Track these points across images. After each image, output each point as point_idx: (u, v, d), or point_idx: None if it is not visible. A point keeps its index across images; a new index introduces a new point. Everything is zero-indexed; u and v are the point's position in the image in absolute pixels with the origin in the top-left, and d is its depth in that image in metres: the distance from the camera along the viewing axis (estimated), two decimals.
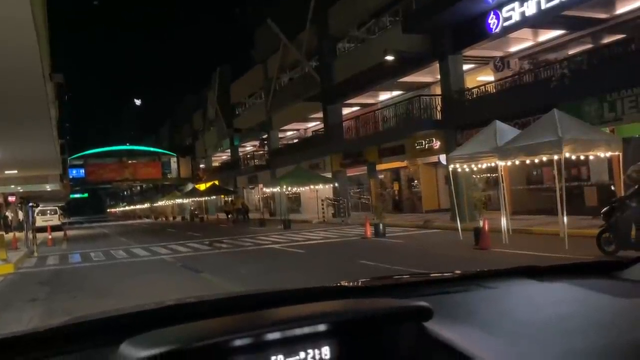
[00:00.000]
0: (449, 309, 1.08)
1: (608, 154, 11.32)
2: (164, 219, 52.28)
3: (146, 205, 64.43)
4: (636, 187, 8.53)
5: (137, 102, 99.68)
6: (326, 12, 26.82)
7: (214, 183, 41.88)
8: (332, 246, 14.37)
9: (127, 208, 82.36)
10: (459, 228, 13.19)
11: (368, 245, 13.83)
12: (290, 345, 0.83)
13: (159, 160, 59.58)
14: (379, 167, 24.76)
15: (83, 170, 56.34)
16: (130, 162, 58.25)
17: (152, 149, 61.26)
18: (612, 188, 13.39)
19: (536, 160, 11.50)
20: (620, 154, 10.94)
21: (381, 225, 15.59)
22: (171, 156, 59.40)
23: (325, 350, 0.85)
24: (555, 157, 10.38)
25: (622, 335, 0.92)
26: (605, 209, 9.02)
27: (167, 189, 56.56)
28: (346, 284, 1.24)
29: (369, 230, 15.55)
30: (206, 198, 39.95)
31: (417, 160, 23.18)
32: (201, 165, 54.71)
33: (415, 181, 24.76)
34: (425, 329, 0.89)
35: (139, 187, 79.72)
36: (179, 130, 61.62)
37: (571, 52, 16.90)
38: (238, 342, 0.78)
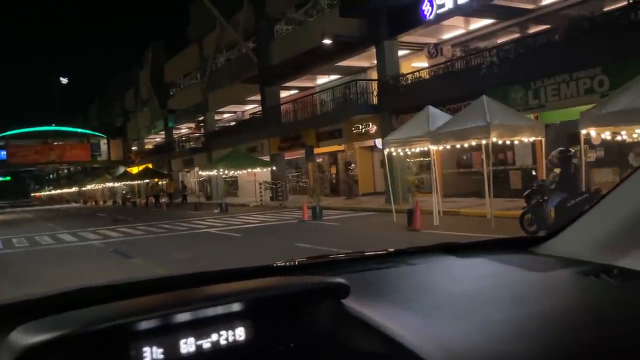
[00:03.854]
0: (369, 286, 1.09)
1: (532, 139, 11.94)
2: (93, 203, 50.12)
3: (74, 189, 61.44)
4: (556, 171, 9.07)
5: (64, 80, 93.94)
6: None
7: (147, 166, 40.54)
8: (269, 229, 14.35)
9: (53, 192, 78.21)
10: (393, 210, 13.52)
11: (305, 228, 13.92)
12: (202, 327, 0.80)
13: (88, 141, 56.69)
14: (317, 150, 24.87)
15: (4, 152, 52.72)
16: (56, 143, 55.05)
17: (80, 130, 58.12)
18: (534, 172, 14.16)
19: (466, 145, 11.94)
20: (543, 140, 11.58)
21: (318, 208, 15.72)
22: (101, 138, 56.69)
23: (240, 331, 0.83)
24: (484, 141, 10.83)
25: (534, 306, 0.96)
26: (527, 191, 9.55)
27: (97, 172, 54.13)
28: (268, 264, 1.22)
29: (307, 213, 15.64)
30: (139, 182, 38.66)
31: (354, 144, 23.47)
32: (133, 148, 52.73)
33: (352, 165, 25.09)
34: (344, 306, 0.89)
35: (66, 170, 75.85)
36: (109, 111, 58.91)
37: (500, 40, 17.60)
38: (143, 325, 0.74)
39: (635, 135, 9.38)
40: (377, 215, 15.74)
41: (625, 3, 12.75)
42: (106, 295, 0.89)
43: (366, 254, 1.41)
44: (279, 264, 1.27)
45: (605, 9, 14.04)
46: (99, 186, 48.18)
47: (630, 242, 1.10)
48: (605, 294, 1.01)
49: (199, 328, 0.80)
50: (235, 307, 0.82)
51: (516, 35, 17.28)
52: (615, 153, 12.43)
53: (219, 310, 0.80)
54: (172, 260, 9.70)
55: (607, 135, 9.81)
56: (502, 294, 1.04)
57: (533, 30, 16.82)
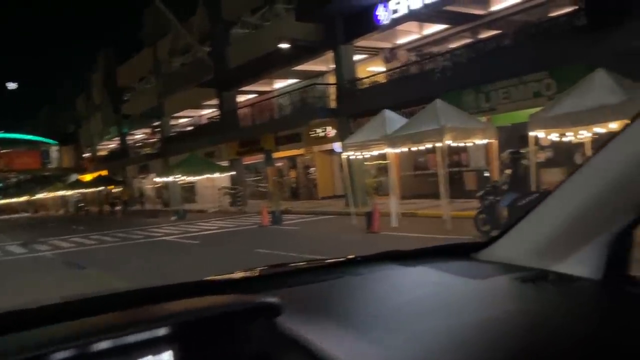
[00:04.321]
0: (309, 300, 1.07)
1: (485, 141, 12.26)
2: (45, 212, 48.29)
3: (24, 198, 59.00)
4: (507, 172, 9.35)
5: (12, 85, 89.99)
6: None
7: (100, 174, 39.37)
8: (228, 236, 14.17)
9: (1, 202, 74.85)
10: (353, 213, 13.59)
11: (265, 233, 13.82)
12: (125, 352, 0.76)
13: (38, 149, 54.65)
14: (276, 155, 24.67)
15: None
16: (4, 151, 52.77)
17: (29, 136, 55.91)
18: (486, 174, 14.54)
19: (422, 148, 12.14)
20: (495, 142, 11.91)
21: (277, 213, 15.64)
22: (52, 145, 54.73)
23: (167, 355, 0.79)
24: (438, 144, 11.04)
25: (471, 315, 0.95)
26: (480, 192, 9.80)
27: (48, 180, 52.18)
28: (204, 279, 1.18)
29: (266, 218, 15.53)
30: (92, 189, 37.49)
31: (313, 148, 23.50)
32: (86, 155, 51.13)
33: (312, 169, 25.10)
34: (277, 325, 0.87)
35: (15, 179, 72.73)
36: (60, 117, 56.86)
37: (452, 45, 18.01)
38: (59, 356, 0.70)
39: (580, 136, 9.78)
40: (337, 219, 15.79)
41: (569, 9, 13.28)
42: (22, 321, 0.84)
43: (308, 265, 1.39)
44: (217, 278, 1.23)
45: (550, 15, 14.61)
46: (51, 195, 46.43)
47: (566, 246, 1.12)
48: (541, 300, 1.02)
49: (122, 354, 0.76)
50: (161, 331, 0.78)
51: (468, 41, 17.73)
52: (563, 154, 12.92)
53: (144, 335, 0.77)
54: (126, 270, 9.44)
55: (554, 136, 10.21)
56: (440, 303, 1.03)
57: (484, 35, 17.31)
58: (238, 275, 1.28)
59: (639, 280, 1.04)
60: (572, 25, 12.22)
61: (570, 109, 8.66)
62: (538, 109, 10.50)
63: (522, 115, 11.86)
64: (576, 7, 12.59)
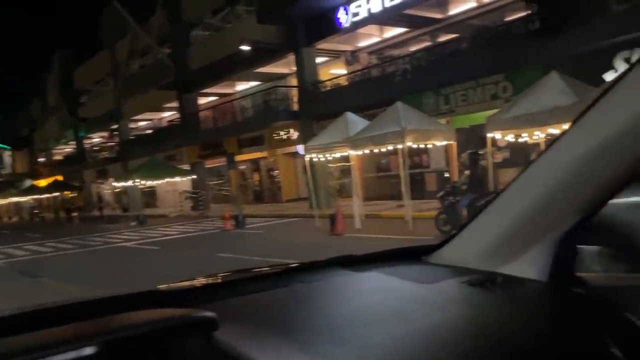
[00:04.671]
0: (250, 312, 1.02)
1: (444, 143, 12.47)
2: None
3: None
4: (466, 172, 9.53)
5: None
6: None
7: (56, 179, 38.11)
8: (189, 240, 13.94)
9: None
10: (317, 215, 13.59)
11: (227, 238, 13.65)
12: None
13: None
14: (239, 158, 24.42)
15: None
16: None
17: None
18: (446, 174, 14.79)
19: (383, 149, 12.27)
20: (454, 143, 12.13)
21: (240, 217, 15.48)
22: (4, 149, 52.68)
23: None
24: (399, 146, 11.17)
25: (419, 321, 0.92)
26: (440, 193, 9.96)
27: (1, 187, 50.21)
28: (145, 290, 1.11)
29: (229, 222, 15.35)
30: (47, 195, 36.24)
31: (276, 151, 23.39)
32: (41, 159, 49.42)
33: (275, 171, 24.99)
34: (215, 340, 0.83)
35: None
36: (13, 120, 54.78)
37: (412, 48, 18.28)
38: None
39: (535, 137, 10.07)
40: (301, 221, 15.75)
41: (523, 14, 13.67)
42: None
43: (254, 273, 1.34)
44: (163, 288, 1.18)
45: (506, 19, 15.01)
46: (4, 201, 44.66)
47: (514, 247, 1.11)
48: (489, 304, 1.01)
49: None
50: (88, 350, 0.74)
51: (427, 44, 18.03)
52: (520, 154, 13.28)
53: (70, 355, 0.72)
54: (83, 278, 9.15)
55: (511, 137, 10.48)
56: (390, 311, 1.00)
57: (443, 38, 17.64)
58: (185, 284, 1.23)
59: (585, 280, 1.06)
60: (527, 29, 12.58)
61: (526, 111, 8.92)
62: (495, 110, 10.76)
63: (480, 117, 12.12)
64: (529, 12, 12.96)
